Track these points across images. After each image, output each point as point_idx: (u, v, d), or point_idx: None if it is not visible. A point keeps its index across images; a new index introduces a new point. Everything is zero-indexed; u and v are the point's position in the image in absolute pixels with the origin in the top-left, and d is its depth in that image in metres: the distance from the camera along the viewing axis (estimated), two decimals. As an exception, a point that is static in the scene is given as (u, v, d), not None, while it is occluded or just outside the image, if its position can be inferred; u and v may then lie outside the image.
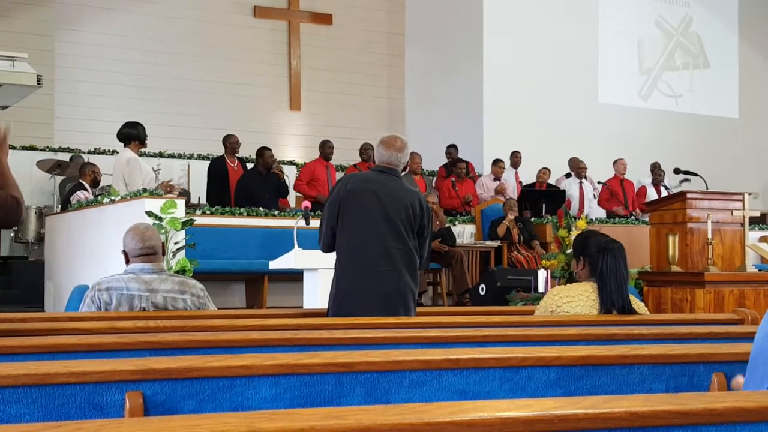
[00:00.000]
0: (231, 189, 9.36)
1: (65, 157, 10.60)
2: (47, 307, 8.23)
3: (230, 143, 9.67)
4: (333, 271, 4.15)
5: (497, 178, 10.99)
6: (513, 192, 10.89)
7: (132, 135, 7.05)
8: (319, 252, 4.44)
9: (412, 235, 4.11)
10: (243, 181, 9.19)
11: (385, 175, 4.16)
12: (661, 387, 2.50)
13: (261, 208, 8.29)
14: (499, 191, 10.67)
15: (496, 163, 11.07)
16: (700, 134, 13.77)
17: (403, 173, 4.99)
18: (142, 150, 7.47)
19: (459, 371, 2.32)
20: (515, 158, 11.54)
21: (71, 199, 8.39)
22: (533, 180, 11.23)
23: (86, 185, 8.78)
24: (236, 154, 9.73)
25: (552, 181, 11.49)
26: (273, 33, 13.07)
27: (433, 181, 11.14)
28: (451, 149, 11.45)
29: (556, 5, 12.82)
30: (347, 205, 4.05)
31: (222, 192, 9.39)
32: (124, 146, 7.16)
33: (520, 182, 11.39)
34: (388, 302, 3.99)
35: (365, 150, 10.19)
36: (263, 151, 9.30)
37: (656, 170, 11.29)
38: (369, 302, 3.96)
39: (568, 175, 11.44)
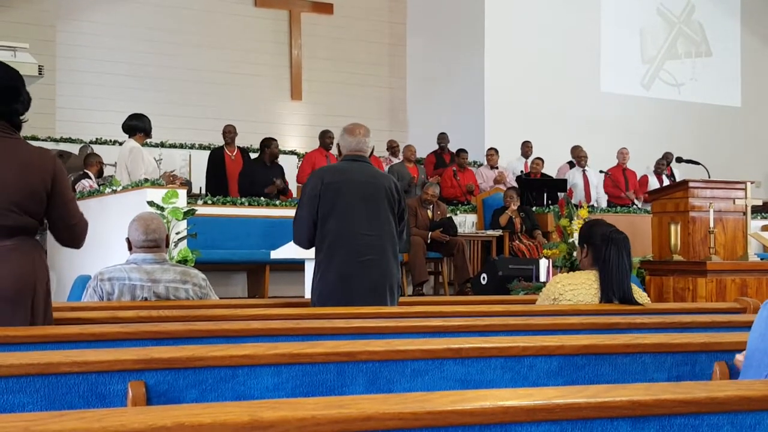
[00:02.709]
0: (228, 179, 9.35)
1: (67, 147, 10.57)
2: (49, 297, 8.21)
3: (225, 133, 9.68)
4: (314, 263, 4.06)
5: (493, 167, 10.97)
6: (519, 181, 10.80)
7: (137, 127, 7.08)
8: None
9: (395, 219, 4.08)
10: (246, 172, 9.18)
11: (358, 163, 4.10)
12: (663, 376, 2.50)
13: (262, 198, 8.29)
14: (499, 180, 10.65)
15: (489, 151, 11.04)
16: (702, 123, 13.73)
17: (398, 161, 4.97)
18: (145, 140, 7.47)
19: (461, 360, 2.32)
20: (526, 148, 11.48)
21: (76, 187, 8.37)
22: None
23: (91, 175, 8.77)
24: (235, 143, 9.73)
25: (555, 170, 11.46)
26: (274, 22, 13.04)
27: (422, 168, 10.99)
28: (442, 136, 11.34)
29: (558, -6, 12.78)
30: (328, 197, 3.96)
31: (219, 182, 9.38)
32: (129, 137, 7.17)
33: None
34: (376, 291, 3.96)
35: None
36: (270, 142, 9.27)
37: (660, 159, 11.25)
38: (357, 292, 3.91)
39: (571, 164, 11.41)
